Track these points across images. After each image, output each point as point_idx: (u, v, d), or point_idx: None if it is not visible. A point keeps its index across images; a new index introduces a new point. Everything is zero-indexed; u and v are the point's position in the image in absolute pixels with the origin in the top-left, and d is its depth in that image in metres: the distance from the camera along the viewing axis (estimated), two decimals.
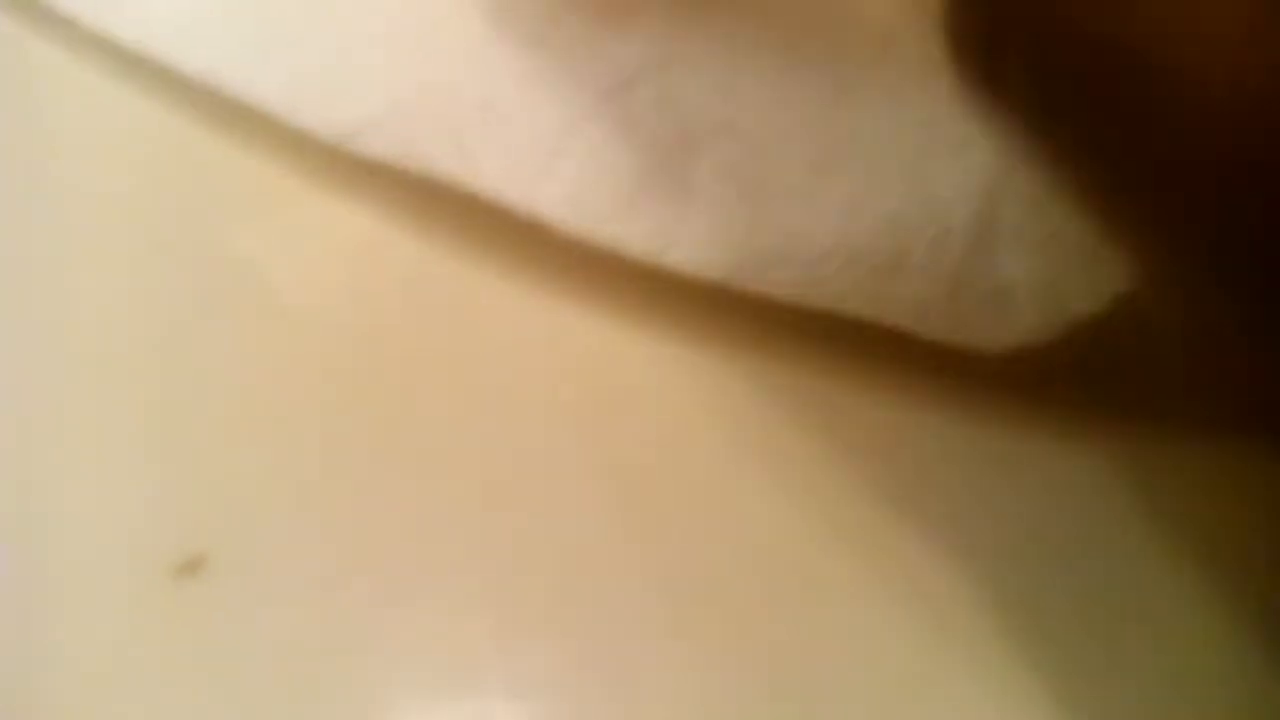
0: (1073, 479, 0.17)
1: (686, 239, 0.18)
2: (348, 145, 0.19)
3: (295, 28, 0.20)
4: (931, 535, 0.17)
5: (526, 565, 0.16)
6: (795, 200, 0.18)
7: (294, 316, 0.18)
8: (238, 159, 0.20)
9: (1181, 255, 0.12)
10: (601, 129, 0.18)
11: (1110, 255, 0.15)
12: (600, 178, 0.18)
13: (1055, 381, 0.17)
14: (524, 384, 0.18)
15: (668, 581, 0.16)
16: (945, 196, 0.17)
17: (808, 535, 0.17)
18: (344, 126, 0.19)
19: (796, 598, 0.16)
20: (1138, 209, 0.12)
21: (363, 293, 0.19)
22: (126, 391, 0.18)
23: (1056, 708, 0.15)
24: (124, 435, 0.17)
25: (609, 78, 0.18)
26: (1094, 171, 0.12)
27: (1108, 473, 0.17)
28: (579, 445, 0.17)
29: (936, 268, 0.17)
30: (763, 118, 0.18)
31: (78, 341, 0.18)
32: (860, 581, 0.16)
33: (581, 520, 0.17)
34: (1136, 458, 0.17)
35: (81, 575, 0.16)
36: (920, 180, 0.17)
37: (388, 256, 0.19)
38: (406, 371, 0.18)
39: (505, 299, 0.18)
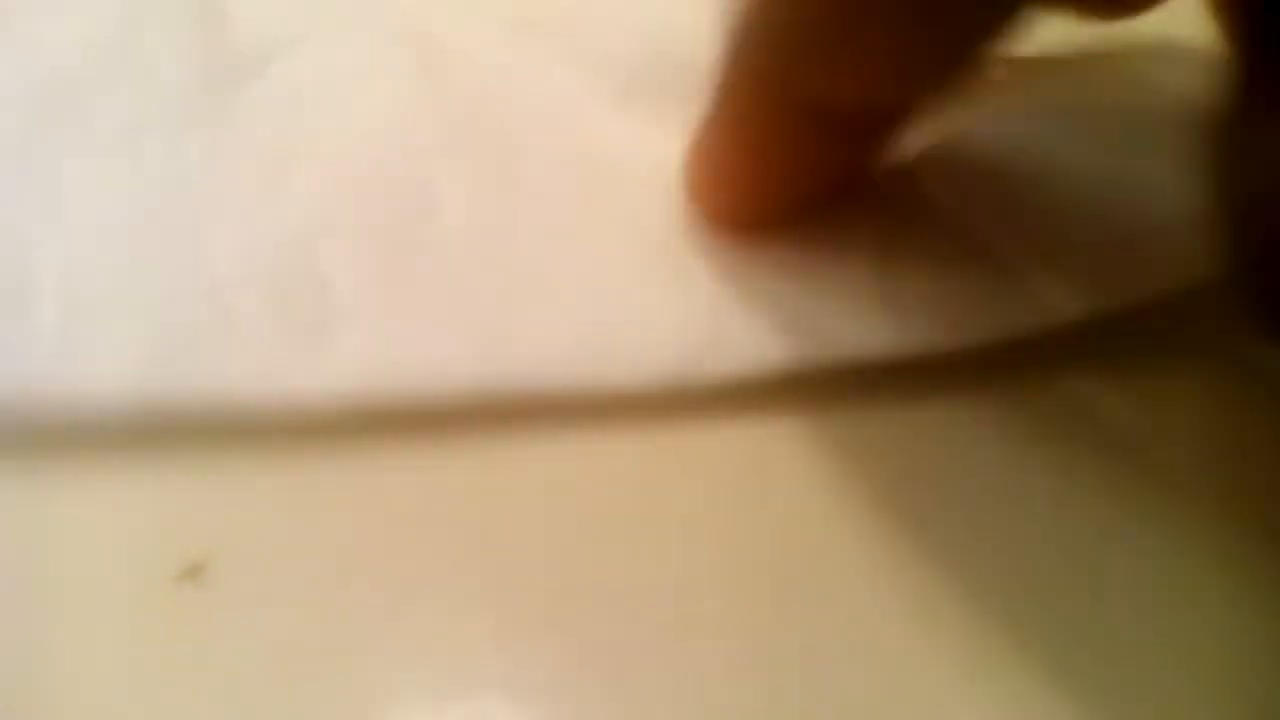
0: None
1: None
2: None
3: None
4: (926, 525, 0.17)
5: (527, 566, 0.16)
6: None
7: None
8: None
9: None
10: None
11: None
12: None
13: None
14: None
15: (670, 583, 0.16)
16: None
17: (809, 537, 0.17)
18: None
19: (798, 600, 0.16)
20: None
21: None
22: None
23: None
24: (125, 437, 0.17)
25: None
26: None
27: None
28: (580, 444, 0.17)
29: None
30: None
31: None
32: (861, 585, 0.16)
33: (583, 522, 0.17)
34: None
35: (83, 579, 0.16)
36: None
37: None
38: None
39: None
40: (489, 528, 0.17)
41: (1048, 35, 0.17)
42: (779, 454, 0.17)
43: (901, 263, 0.18)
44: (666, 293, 0.18)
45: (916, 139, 0.19)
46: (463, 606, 0.16)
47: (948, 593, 0.16)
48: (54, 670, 0.15)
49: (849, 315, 0.18)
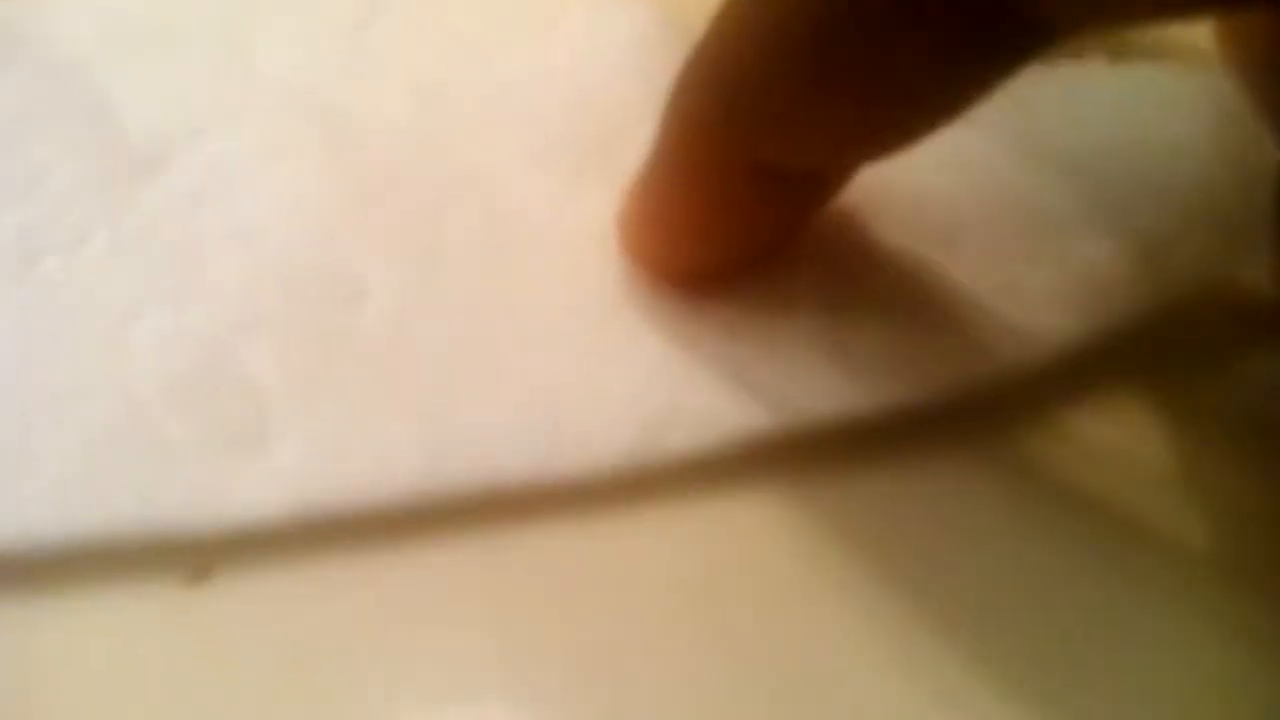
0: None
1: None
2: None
3: None
4: (911, 587, 0.16)
5: (530, 572, 0.16)
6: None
7: None
8: None
9: None
10: None
11: None
12: None
13: None
14: None
15: (674, 592, 0.16)
16: None
17: (786, 605, 0.16)
18: None
19: (799, 607, 0.16)
20: None
21: None
22: None
23: None
24: None
25: None
26: None
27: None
28: (540, 533, 0.16)
29: None
30: None
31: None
32: (845, 648, 0.16)
33: (550, 614, 0.16)
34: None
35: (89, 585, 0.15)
36: None
37: None
38: None
39: None
40: (452, 627, 0.16)
41: None
42: (750, 522, 0.16)
43: (853, 313, 0.18)
44: (613, 365, 0.17)
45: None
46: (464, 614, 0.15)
47: (937, 655, 0.16)
48: (58, 678, 0.15)
49: (804, 376, 0.17)
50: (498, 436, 0.16)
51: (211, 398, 0.16)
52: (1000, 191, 0.19)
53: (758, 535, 0.16)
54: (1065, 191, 0.19)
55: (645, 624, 0.16)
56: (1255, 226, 0.17)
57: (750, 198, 0.16)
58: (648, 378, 0.17)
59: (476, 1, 0.21)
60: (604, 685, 0.15)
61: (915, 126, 0.15)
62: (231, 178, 0.19)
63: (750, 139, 0.15)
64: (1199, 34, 0.20)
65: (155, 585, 0.15)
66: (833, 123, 0.15)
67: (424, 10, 0.21)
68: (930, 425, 0.17)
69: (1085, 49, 0.21)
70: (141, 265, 0.18)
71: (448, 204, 0.19)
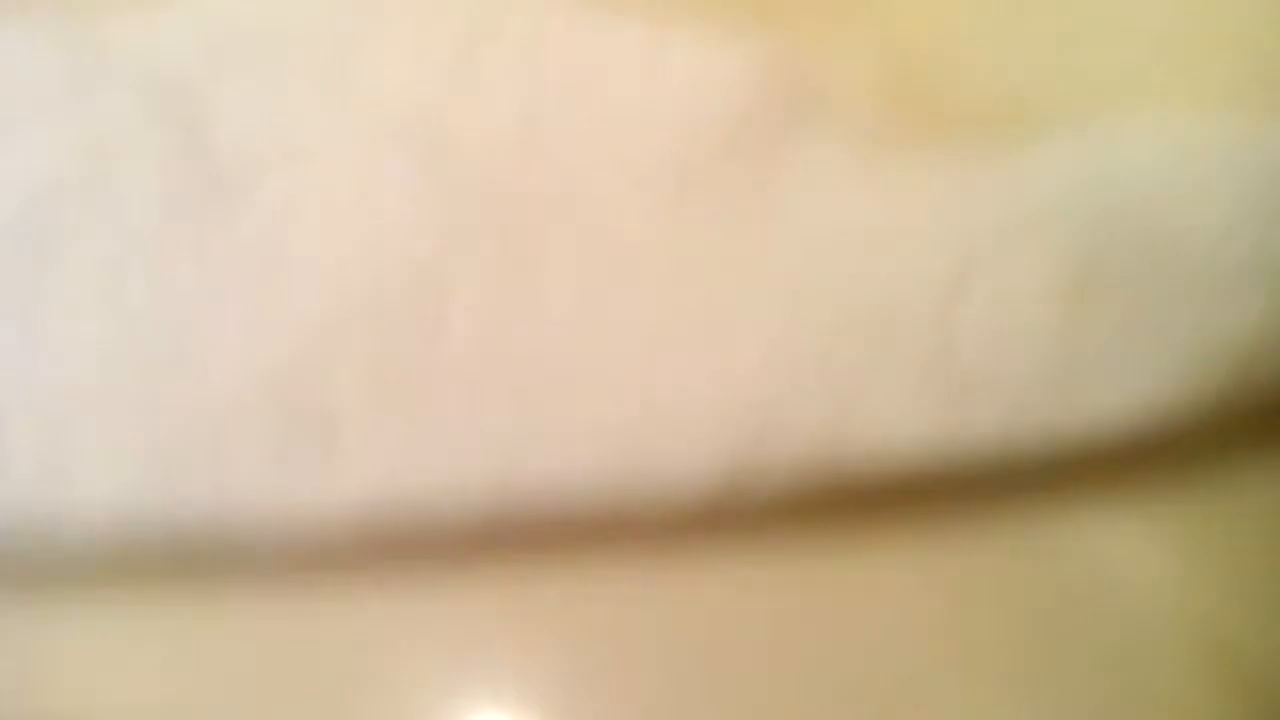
0: None
1: None
2: None
3: None
4: None
5: (591, 607, 0.16)
6: None
7: None
8: None
9: None
10: None
11: None
12: None
13: None
14: None
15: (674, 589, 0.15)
16: None
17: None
18: None
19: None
20: None
21: None
22: None
23: None
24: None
25: None
26: None
27: None
28: (608, 568, 0.16)
29: None
30: None
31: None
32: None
33: (663, 561, 0.16)
34: None
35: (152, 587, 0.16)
36: None
37: None
38: None
39: None
40: (511, 654, 0.16)
41: None
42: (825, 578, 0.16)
43: (967, 341, 0.17)
44: (705, 392, 0.16)
45: None
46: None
47: None
48: (60, 685, 0.15)
49: (900, 401, 0.16)
50: (576, 460, 0.16)
51: (286, 418, 0.16)
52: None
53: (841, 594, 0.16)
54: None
55: (710, 671, 0.15)
56: None
57: None
58: (739, 406, 0.16)
59: (590, 30, 0.20)
60: None
61: None
62: (323, 206, 0.18)
63: None
64: None
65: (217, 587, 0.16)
66: None
67: (537, 33, 0.21)
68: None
69: None
70: (226, 298, 0.17)
71: (545, 223, 0.18)
